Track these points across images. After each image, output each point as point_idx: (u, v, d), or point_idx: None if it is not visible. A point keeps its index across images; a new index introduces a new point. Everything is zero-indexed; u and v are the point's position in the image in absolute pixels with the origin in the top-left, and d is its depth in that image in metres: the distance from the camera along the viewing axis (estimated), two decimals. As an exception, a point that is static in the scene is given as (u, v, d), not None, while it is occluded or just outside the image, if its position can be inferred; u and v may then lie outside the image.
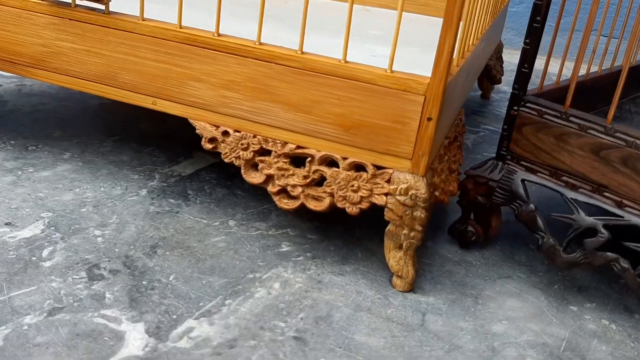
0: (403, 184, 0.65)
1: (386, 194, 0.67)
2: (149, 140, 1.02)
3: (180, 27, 0.70)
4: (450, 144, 0.80)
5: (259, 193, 0.89)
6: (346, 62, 0.65)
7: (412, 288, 0.71)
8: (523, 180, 0.74)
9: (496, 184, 0.75)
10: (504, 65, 1.46)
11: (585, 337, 0.68)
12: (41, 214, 0.78)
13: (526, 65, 0.71)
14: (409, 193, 0.65)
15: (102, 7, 0.73)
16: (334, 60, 0.65)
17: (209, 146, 0.73)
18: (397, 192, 0.66)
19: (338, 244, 0.79)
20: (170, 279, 0.69)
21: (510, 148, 0.75)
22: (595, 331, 0.69)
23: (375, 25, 1.15)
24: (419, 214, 0.66)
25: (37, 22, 0.77)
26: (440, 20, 1.31)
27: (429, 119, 0.63)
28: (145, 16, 0.72)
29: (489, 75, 1.35)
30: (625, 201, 0.66)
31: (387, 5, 1.49)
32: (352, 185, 0.67)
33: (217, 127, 0.72)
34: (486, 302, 0.72)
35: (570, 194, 0.70)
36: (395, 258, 0.70)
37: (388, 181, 0.66)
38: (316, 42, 0.81)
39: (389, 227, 0.68)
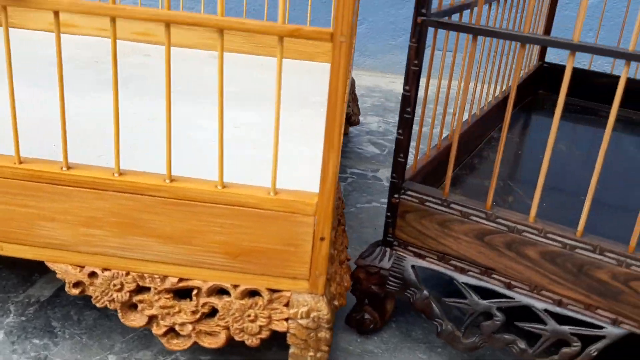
0: (303, 306, 0.61)
1: (286, 319, 0.62)
2: (-9, 259, 0.88)
3: (20, 162, 0.60)
4: (336, 233, 0.77)
5: (135, 308, 0.80)
6: (224, 187, 0.59)
7: (322, 402, 0.68)
8: (413, 266, 0.73)
9: (387, 272, 0.74)
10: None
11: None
12: None
13: (401, 155, 0.70)
14: (311, 315, 0.62)
15: None
16: (209, 185, 0.59)
17: (75, 291, 0.63)
18: (298, 316, 0.62)
19: (234, 360, 0.73)
20: None
21: (395, 234, 0.74)
22: (501, 407, 0.71)
23: (228, 76, 1.09)
24: (324, 334, 0.62)
25: None
26: (293, 62, 1.29)
27: (322, 239, 0.59)
28: (-28, 151, 0.61)
29: (349, 121, 1.35)
30: (513, 282, 0.68)
31: (236, 49, 1.43)
32: (249, 315, 0.62)
33: (82, 267, 0.63)
34: (396, 397, 0.70)
35: (462, 278, 0.71)
36: (301, 377, 0.66)
37: (287, 305, 0.62)
38: (176, 113, 0.74)
39: (293, 350, 0.64)
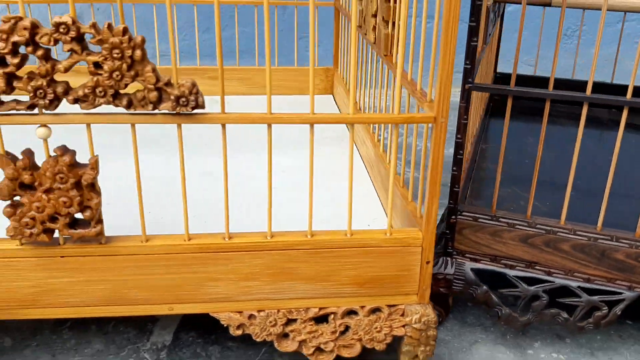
0: (415, 314, 0.81)
1: (403, 326, 0.81)
2: (99, 323, 1.01)
3: (189, 240, 0.75)
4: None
5: (248, 339, 0.96)
6: (352, 234, 0.77)
7: (427, 384, 0.88)
8: (472, 269, 0.94)
9: (452, 276, 0.95)
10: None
11: (549, 372, 0.92)
12: None
13: (457, 186, 0.91)
14: (422, 320, 0.81)
15: (96, 237, 0.74)
16: (340, 234, 0.77)
17: (238, 332, 0.80)
18: (413, 322, 0.81)
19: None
20: None
21: (454, 246, 0.95)
22: (551, 364, 0.94)
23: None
24: (432, 332, 0.82)
25: (21, 267, 0.74)
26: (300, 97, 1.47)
27: (428, 262, 0.79)
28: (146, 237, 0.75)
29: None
30: (552, 270, 0.91)
31: (232, 92, 1.59)
32: (375, 327, 0.81)
33: (241, 312, 0.79)
34: (475, 370, 0.92)
35: (512, 272, 0.92)
36: (412, 368, 0.85)
37: (402, 315, 0.81)
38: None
39: (406, 348, 0.83)
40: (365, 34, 1.13)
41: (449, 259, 0.96)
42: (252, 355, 0.93)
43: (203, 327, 0.99)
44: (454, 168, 0.91)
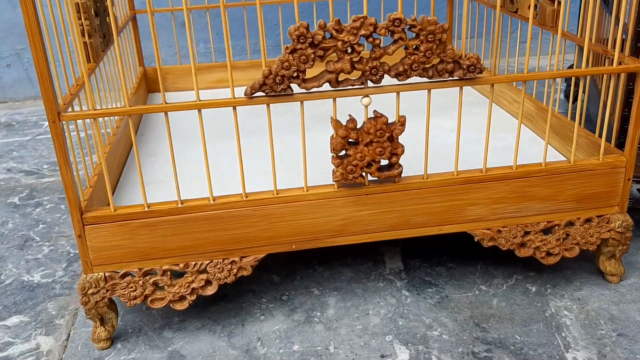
0: (618, 220, 1.06)
1: (609, 230, 1.07)
2: (342, 258, 1.25)
3: (457, 174, 1.00)
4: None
5: (463, 261, 1.21)
6: (575, 163, 1.02)
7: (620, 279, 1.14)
8: (638, 190, 1.19)
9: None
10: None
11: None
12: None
13: None
14: (623, 225, 1.06)
15: (397, 176, 0.98)
16: (565, 163, 1.02)
17: (489, 244, 1.05)
18: (616, 227, 1.06)
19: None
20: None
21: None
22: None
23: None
24: (629, 234, 1.07)
25: (335, 204, 0.99)
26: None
27: (629, 179, 1.04)
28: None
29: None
30: None
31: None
32: (589, 233, 1.06)
33: (490, 229, 1.04)
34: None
35: (671, 188, 1.18)
36: (610, 264, 1.11)
37: (608, 222, 1.07)
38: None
39: (608, 249, 1.09)
40: (516, 11, 1.37)
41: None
42: (472, 271, 1.19)
43: (420, 255, 1.24)
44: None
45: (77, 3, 1.09)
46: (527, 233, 1.06)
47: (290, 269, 1.22)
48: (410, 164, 1.16)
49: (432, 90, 1.10)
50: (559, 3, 1.20)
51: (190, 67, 1.79)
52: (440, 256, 1.23)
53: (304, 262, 1.24)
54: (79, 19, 1.10)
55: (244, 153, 1.24)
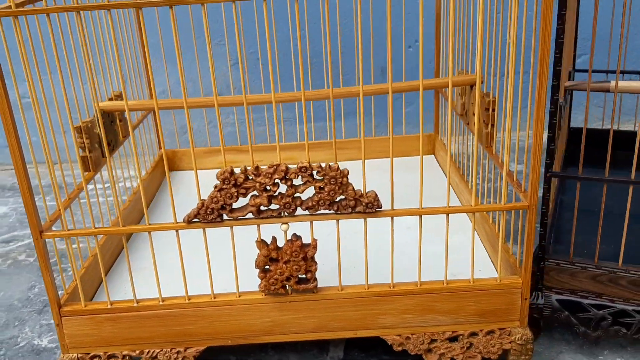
0: (518, 334, 1.20)
1: (510, 342, 1.20)
2: (293, 344, 1.44)
3: (368, 288, 1.17)
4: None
5: (399, 354, 1.37)
6: (474, 281, 1.17)
7: (528, 382, 1.26)
8: (557, 300, 1.32)
9: (542, 305, 1.32)
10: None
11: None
12: None
13: (544, 241, 1.29)
14: (523, 338, 1.20)
15: (312, 289, 1.17)
16: (467, 282, 1.17)
17: (399, 348, 1.21)
18: (517, 339, 1.20)
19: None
20: None
21: (543, 283, 1.32)
22: (618, 367, 1.29)
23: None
24: (530, 346, 1.20)
25: (263, 309, 1.18)
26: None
27: (526, 299, 1.18)
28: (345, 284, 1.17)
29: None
30: (614, 298, 1.27)
31: (356, 157, 2.01)
32: (491, 344, 1.20)
33: (400, 335, 1.20)
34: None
35: (585, 301, 1.29)
36: (517, 371, 1.24)
37: (509, 334, 1.20)
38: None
39: (512, 357, 1.22)
40: (468, 124, 1.53)
41: (539, 292, 1.33)
42: (401, 365, 1.34)
43: (361, 347, 1.40)
44: (541, 230, 1.29)
45: (79, 126, 1.36)
46: (433, 340, 1.21)
47: (246, 351, 1.42)
48: (350, 272, 1.34)
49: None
50: (492, 126, 1.36)
51: (203, 150, 2.04)
52: (377, 348, 1.39)
53: (259, 345, 1.43)
54: (80, 139, 1.36)
55: (194, 261, 1.44)
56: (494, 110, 1.33)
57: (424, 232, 1.48)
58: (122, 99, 1.58)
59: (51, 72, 1.14)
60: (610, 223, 1.47)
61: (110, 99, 1.56)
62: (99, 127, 1.42)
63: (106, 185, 2.18)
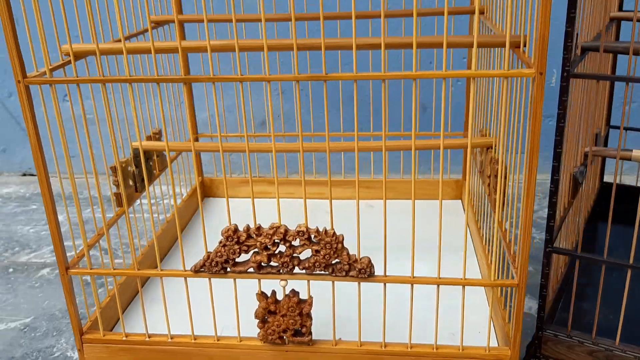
0: (506, 403, 1.22)
1: (498, 410, 1.23)
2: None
3: (360, 345, 1.23)
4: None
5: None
6: (463, 349, 1.21)
7: None
8: (552, 369, 1.33)
9: (538, 373, 1.34)
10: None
11: None
12: None
13: (542, 312, 1.31)
14: (510, 407, 1.22)
15: (307, 343, 1.23)
16: (456, 349, 1.21)
17: (388, 404, 1.26)
18: (504, 408, 1.22)
19: None
20: None
21: (541, 352, 1.34)
22: None
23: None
24: (518, 416, 1.23)
25: (262, 355, 1.26)
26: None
27: (514, 370, 1.20)
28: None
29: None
30: (611, 377, 1.27)
31: (388, 197, 2.06)
32: (479, 409, 1.23)
33: (390, 392, 1.25)
34: None
35: (581, 375, 1.30)
36: None
37: (497, 403, 1.23)
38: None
39: None
40: (484, 183, 1.56)
41: (533, 358, 1.35)
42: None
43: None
44: (540, 301, 1.31)
45: (114, 166, 1.48)
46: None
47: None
48: (347, 323, 1.39)
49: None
50: (502, 193, 1.39)
51: (239, 180, 2.15)
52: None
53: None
54: (115, 177, 1.49)
55: (205, 298, 1.55)
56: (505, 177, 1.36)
57: (427, 287, 1.53)
58: (159, 136, 1.70)
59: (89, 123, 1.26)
60: (616, 296, 1.46)
61: (149, 137, 1.68)
62: (135, 165, 1.55)
63: (145, 215, 2.33)
